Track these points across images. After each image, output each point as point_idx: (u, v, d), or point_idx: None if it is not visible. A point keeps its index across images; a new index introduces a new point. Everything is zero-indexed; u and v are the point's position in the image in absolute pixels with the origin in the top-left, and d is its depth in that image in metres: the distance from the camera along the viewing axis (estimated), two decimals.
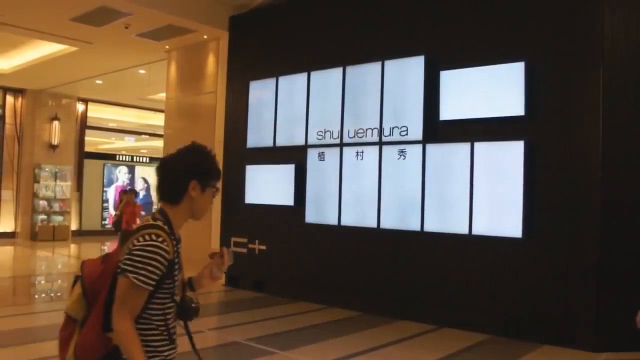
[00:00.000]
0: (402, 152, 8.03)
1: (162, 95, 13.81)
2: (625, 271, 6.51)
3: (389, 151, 8.15)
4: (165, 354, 2.36)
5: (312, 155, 9.11)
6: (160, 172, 2.43)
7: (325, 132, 8.96)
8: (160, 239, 2.25)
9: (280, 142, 9.62)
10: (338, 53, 9.00)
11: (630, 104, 6.62)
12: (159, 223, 2.32)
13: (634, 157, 6.60)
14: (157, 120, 17.77)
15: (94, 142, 20.94)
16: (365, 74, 8.53)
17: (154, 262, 2.21)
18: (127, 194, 13.28)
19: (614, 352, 6.40)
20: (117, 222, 12.99)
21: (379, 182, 8.19)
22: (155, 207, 21.27)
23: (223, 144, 10.90)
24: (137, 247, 2.21)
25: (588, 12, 6.77)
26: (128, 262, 2.19)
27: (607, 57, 6.60)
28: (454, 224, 7.43)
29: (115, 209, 14.81)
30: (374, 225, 8.22)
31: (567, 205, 6.71)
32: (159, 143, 16.29)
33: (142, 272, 2.18)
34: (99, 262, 2.34)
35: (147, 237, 2.23)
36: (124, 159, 21.75)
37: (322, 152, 8.97)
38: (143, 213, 13.44)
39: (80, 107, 19.36)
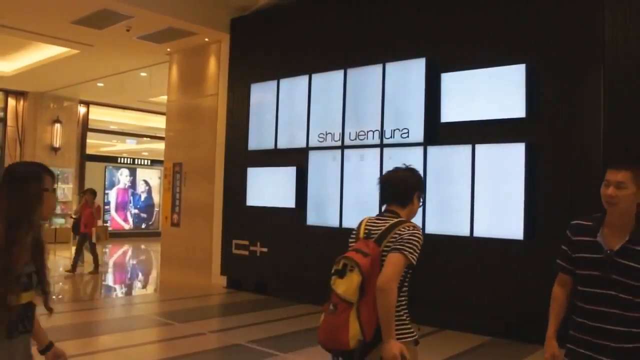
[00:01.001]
0: (401, 155, 8.04)
1: (164, 98, 13.82)
2: None
3: (390, 153, 8.15)
4: (411, 328, 3.06)
5: (313, 157, 9.11)
6: (394, 183, 3.23)
7: (326, 134, 8.97)
8: (418, 228, 3.06)
9: (282, 144, 9.62)
10: (339, 55, 9.00)
11: (631, 106, 6.60)
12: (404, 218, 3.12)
13: (636, 158, 6.59)
14: (159, 122, 17.78)
15: (96, 144, 20.96)
16: (367, 76, 8.54)
17: (419, 245, 2.99)
18: (85, 194, 12.67)
19: None
20: (75, 224, 12.59)
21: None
22: (157, 209, 21.30)
23: (224, 146, 10.91)
24: (408, 233, 2.96)
25: (589, 14, 6.77)
26: (404, 244, 2.93)
27: (608, 58, 6.60)
28: (456, 226, 7.43)
29: (74, 211, 14.26)
30: None
31: (569, 206, 6.70)
32: (160, 146, 16.29)
33: (416, 251, 2.97)
34: (360, 255, 2.92)
35: (410, 227, 3.00)
36: (125, 162, 21.76)
37: (333, 154, 8.99)
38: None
39: (81, 109, 19.38)
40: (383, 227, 3.06)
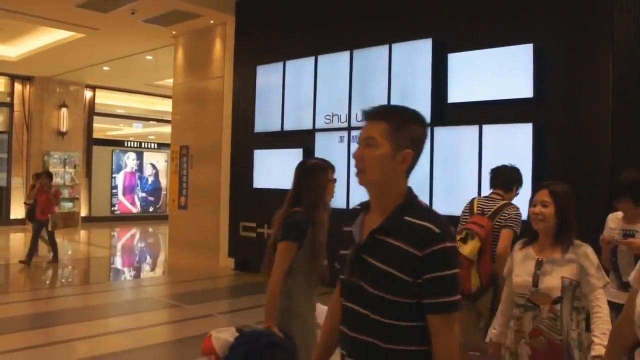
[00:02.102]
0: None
1: (170, 81, 13.81)
2: None
3: None
4: None
5: (320, 139, 9.10)
6: (502, 175, 4.75)
7: (332, 116, 8.95)
8: (518, 208, 4.34)
9: (288, 126, 9.61)
10: (345, 37, 8.95)
11: None
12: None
13: None
14: (165, 106, 17.78)
15: (102, 128, 20.98)
16: (373, 57, 8.50)
17: (520, 220, 4.30)
18: (41, 178, 11.43)
19: None
20: (31, 211, 11.42)
21: None
22: (164, 192, 21.36)
23: (231, 129, 10.91)
24: (514, 213, 4.32)
25: None
26: (512, 222, 4.28)
27: (617, 38, 6.54)
28: (463, 207, 7.41)
29: (27, 196, 12.83)
30: None
31: (576, 188, 6.61)
32: (167, 129, 16.30)
33: (519, 225, 4.28)
34: (477, 227, 4.16)
35: (514, 208, 4.35)
36: (132, 145, 21.79)
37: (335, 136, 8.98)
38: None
39: (88, 93, 19.40)
40: (494, 207, 4.41)
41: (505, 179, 4.69)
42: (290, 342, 3.11)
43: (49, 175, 11.61)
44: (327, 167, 3.47)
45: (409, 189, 2.07)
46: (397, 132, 1.96)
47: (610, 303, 3.22)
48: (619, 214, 4.17)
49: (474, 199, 4.71)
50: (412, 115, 2.04)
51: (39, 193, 11.10)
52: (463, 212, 4.68)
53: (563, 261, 2.95)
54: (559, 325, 2.90)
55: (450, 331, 1.82)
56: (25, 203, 12.95)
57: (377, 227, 1.92)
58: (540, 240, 3.10)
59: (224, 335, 3.07)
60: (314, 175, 3.41)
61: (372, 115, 2.05)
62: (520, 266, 3.10)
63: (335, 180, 3.52)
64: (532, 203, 3.13)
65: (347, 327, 1.92)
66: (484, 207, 4.48)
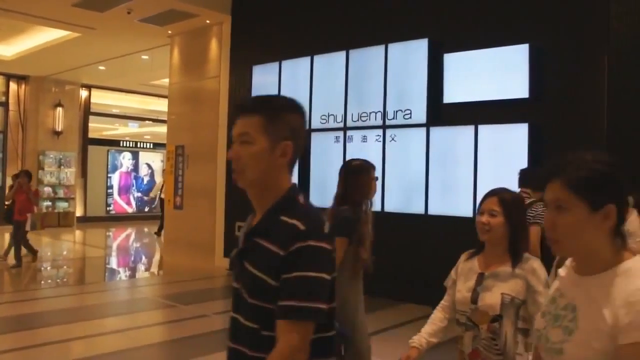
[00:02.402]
0: (405, 135, 8.02)
1: (165, 81, 13.78)
2: None
3: (393, 134, 8.14)
4: None
5: (316, 139, 9.10)
6: (530, 175, 4.95)
7: (328, 116, 8.94)
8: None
9: None
10: (341, 37, 8.95)
11: (636, 86, 6.57)
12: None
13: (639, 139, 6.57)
14: (161, 105, 17.74)
15: (98, 128, 20.93)
16: (369, 57, 8.50)
17: None
18: (19, 177, 11.06)
19: None
20: (9, 211, 11.13)
21: (383, 166, 8.18)
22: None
23: (227, 129, 10.89)
24: (540, 209, 4.48)
25: None
26: (540, 218, 4.50)
27: (613, 39, 6.56)
28: (458, 207, 7.43)
29: (5, 197, 12.53)
30: (378, 208, 8.22)
31: None
32: (162, 129, 16.27)
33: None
34: None
35: (541, 205, 4.26)
36: (127, 145, 21.75)
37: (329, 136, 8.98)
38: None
39: (83, 93, 19.34)
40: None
41: (535, 177, 4.94)
42: (343, 327, 3.39)
43: (28, 175, 11.25)
44: (369, 167, 3.86)
45: (293, 186, 1.85)
46: (272, 124, 1.74)
47: None
48: None
49: None
50: (287, 104, 1.82)
51: (18, 193, 10.78)
52: None
53: (507, 276, 2.64)
54: (498, 345, 2.60)
55: (291, 342, 1.57)
56: (5, 204, 12.55)
57: (252, 228, 1.81)
58: (486, 252, 2.80)
59: None
60: (359, 175, 3.80)
61: (244, 108, 1.83)
62: (463, 280, 2.83)
63: (377, 178, 3.88)
64: (478, 211, 2.82)
65: (229, 339, 1.80)
66: None
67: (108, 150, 20.94)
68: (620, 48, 6.56)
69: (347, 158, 8.60)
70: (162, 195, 14.67)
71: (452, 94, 7.59)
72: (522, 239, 2.73)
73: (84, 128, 19.54)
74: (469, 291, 2.73)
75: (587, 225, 1.48)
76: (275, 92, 9.71)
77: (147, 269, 12.25)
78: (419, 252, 7.93)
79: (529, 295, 2.60)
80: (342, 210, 3.65)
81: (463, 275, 2.85)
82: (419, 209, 7.81)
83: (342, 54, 8.81)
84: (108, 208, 20.57)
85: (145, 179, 22.02)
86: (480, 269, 2.76)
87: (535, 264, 2.67)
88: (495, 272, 2.68)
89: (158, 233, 15.55)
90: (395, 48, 8.22)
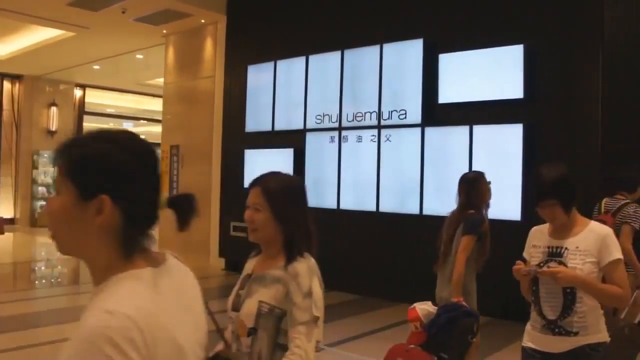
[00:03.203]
0: (400, 135, 8.02)
1: (160, 81, 13.75)
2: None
3: (388, 134, 8.15)
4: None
5: (311, 139, 9.10)
6: (625, 180, 5.34)
7: (323, 115, 8.94)
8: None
9: (279, 126, 9.60)
10: (336, 36, 8.96)
11: (630, 87, 6.59)
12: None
13: (634, 140, 6.60)
14: (155, 105, 17.71)
15: (92, 127, 20.85)
16: (364, 57, 8.51)
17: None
18: None
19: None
20: None
21: (378, 166, 8.19)
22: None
23: (222, 129, 10.89)
24: (632, 210, 4.92)
25: None
26: (631, 218, 4.91)
27: (607, 39, 6.58)
28: (453, 207, 7.41)
29: None
30: (373, 208, 8.23)
31: None
32: (157, 128, 16.24)
33: (637, 221, 4.87)
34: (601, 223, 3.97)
35: (633, 206, 4.98)
36: None
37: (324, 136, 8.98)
38: None
39: (77, 92, 19.28)
40: (616, 206, 5.04)
41: (627, 184, 5.28)
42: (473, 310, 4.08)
43: None
44: (482, 176, 4.56)
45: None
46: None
47: (529, 351, 2.84)
48: (545, 226, 3.11)
49: (602, 199, 5.32)
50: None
51: None
52: (593, 212, 5.23)
53: (272, 280, 2.16)
54: None
55: None
56: None
57: None
58: (263, 253, 2.36)
59: (425, 307, 3.89)
60: (477, 184, 4.50)
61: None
62: (237, 283, 2.39)
63: (489, 182, 4.57)
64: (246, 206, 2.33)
65: None
66: (608, 206, 5.17)
67: None
68: (614, 48, 6.58)
69: (342, 158, 8.62)
70: None
71: (447, 94, 7.60)
72: (299, 236, 2.31)
73: (79, 127, 19.47)
74: (234, 295, 2.33)
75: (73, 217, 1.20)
76: (270, 92, 9.73)
77: None
78: (413, 252, 7.94)
79: (287, 306, 2.10)
80: (469, 214, 4.38)
81: (241, 277, 2.39)
82: (414, 209, 7.82)
83: (337, 53, 8.82)
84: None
85: None
86: (252, 270, 2.33)
87: (301, 267, 2.18)
88: (262, 274, 2.23)
89: None
90: (390, 48, 8.23)
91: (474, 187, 4.47)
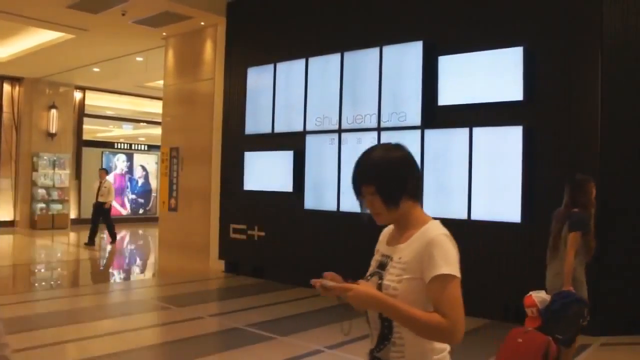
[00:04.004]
0: (401, 137, 8.02)
1: (160, 83, 13.77)
2: (623, 255, 6.52)
3: (388, 137, 8.15)
4: None
5: (311, 141, 9.10)
6: None
7: (323, 118, 8.94)
8: None
9: (279, 128, 9.60)
10: (336, 39, 8.96)
11: (629, 88, 6.60)
12: None
13: (633, 142, 6.60)
14: (155, 107, 17.72)
15: (92, 130, 20.88)
16: (364, 59, 8.51)
17: None
18: None
19: (612, 335, 6.43)
20: None
21: None
22: (154, 194, 21.25)
23: (221, 131, 10.89)
24: None
25: None
26: None
27: (607, 41, 6.58)
28: (453, 209, 7.44)
29: None
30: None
31: None
32: (157, 130, 16.25)
33: None
34: None
35: None
36: (122, 147, 21.70)
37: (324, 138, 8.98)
38: None
39: (77, 95, 19.30)
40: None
41: None
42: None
43: None
44: (589, 178, 5.03)
45: None
46: None
47: None
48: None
49: None
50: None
51: None
52: None
53: None
54: None
55: None
56: None
57: None
58: None
59: (540, 295, 4.27)
60: (584, 184, 4.96)
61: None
62: None
63: (594, 184, 5.01)
64: None
65: None
66: None
67: (102, 152, 20.89)
68: (614, 50, 6.59)
69: (342, 160, 8.62)
70: (101, 199, 13.94)
71: (447, 96, 7.60)
72: None
73: (78, 130, 19.50)
74: None
75: None
76: (270, 94, 9.73)
77: (142, 271, 12.21)
78: None
79: None
80: (573, 212, 4.79)
81: None
82: None
83: (337, 56, 8.82)
84: None
85: (140, 181, 21.97)
86: None
87: None
88: None
89: (90, 242, 14.05)
90: (389, 50, 8.23)
91: (580, 187, 4.96)
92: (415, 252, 2.05)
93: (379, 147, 2.23)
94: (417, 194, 2.16)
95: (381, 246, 2.33)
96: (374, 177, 2.14)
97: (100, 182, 14.11)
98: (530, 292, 4.35)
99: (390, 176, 2.10)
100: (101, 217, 14.10)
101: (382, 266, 2.17)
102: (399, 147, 2.16)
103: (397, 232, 2.22)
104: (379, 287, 2.09)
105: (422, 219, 2.14)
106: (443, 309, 1.97)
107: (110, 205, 14.49)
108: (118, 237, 17.51)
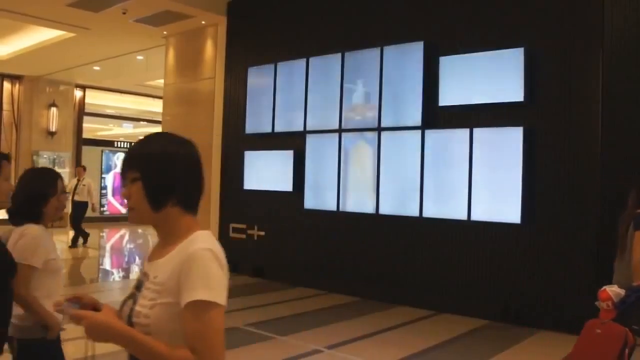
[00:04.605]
0: (401, 138, 8.02)
1: (160, 82, 13.75)
2: None
3: (388, 137, 8.15)
4: None
5: (311, 140, 9.10)
6: None
7: (324, 118, 8.94)
8: None
9: (279, 128, 9.60)
10: (337, 39, 8.96)
11: (630, 89, 6.59)
12: None
13: (634, 142, 6.59)
14: (156, 106, 17.71)
15: (92, 128, 20.86)
16: (365, 60, 8.50)
17: None
18: None
19: None
20: None
21: (378, 168, 8.18)
22: None
23: (222, 130, 10.88)
24: None
25: None
26: None
27: (607, 42, 6.58)
28: (453, 210, 7.43)
29: None
30: (373, 211, 8.23)
31: (566, 190, 6.71)
32: (157, 130, 16.24)
33: None
34: None
35: None
36: (122, 146, 21.69)
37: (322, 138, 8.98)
38: None
39: (78, 93, 19.29)
40: None
41: None
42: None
43: None
44: None
45: None
46: None
47: None
48: None
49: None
50: None
51: None
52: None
53: None
54: None
55: None
56: None
57: None
58: None
59: (614, 289, 4.24)
60: None
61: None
62: None
63: None
64: None
65: None
66: None
67: (102, 151, 20.88)
68: (615, 52, 6.58)
69: (342, 160, 8.62)
70: (77, 198, 13.53)
71: (448, 96, 7.59)
72: None
73: (78, 128, 19.49)
74: None
75: None
76: (270, 93, 9.73)
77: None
78: (413, 255, 7.94)
79: None
80: (638, 213, 4.84)
81: None
82: (414, 212, 7.81)
83: (338, 56, 8.81)
84: (102, 209, 20.48)
85: None
86: None
87: None
88: None
89: (74, 244, 13.55)
90: (390, 50, 8.22)
91: None
92: (172, 269, 1.63)
93: (166, 136, 1.82)
94: (189, 204, 1.76)
95: (146, 261, 1.83)
96: (143, 164, 1.70)
97: (78, 180, 13.77)
98: (604, 287, 4.45)
99: (161, 170, 1.69)
100: (75, 217, 13.46)
101: (139, 287, 1.73)
102: (185, 144, 1.78)
103: (160, 244, 1.77)
104: (131, 313, 1.66)
105: (191, 228, 1.74)
106: (193, 343, 1.57)
107: (92, 206, 13.90)
108: (117, 235, 17.47)
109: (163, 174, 1.68)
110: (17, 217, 2.97)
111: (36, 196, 2.99)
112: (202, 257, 1.65)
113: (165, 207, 1.70)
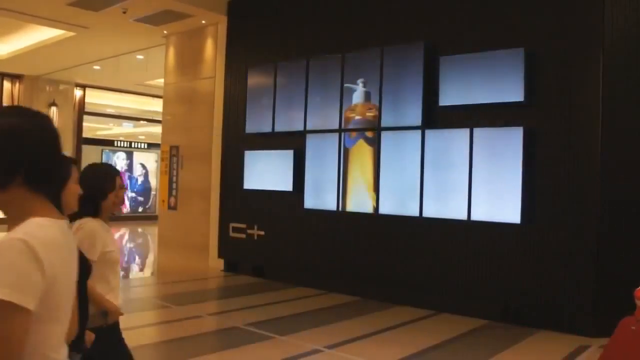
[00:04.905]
0: (401, 138, 8.02)
1: (160, 81, 13.76)
2: (623, 256, 6.52)
3: (388, 137, 8.15)
4: None
5: (311, 140, 9.10)
6: None
7: (324, 118, 8.94)
8: None
9: (279, 127, 9.59)
10: (337, 39, 8.95)
11: (630, 89, 6.60)
12: None
13: (634, 143, 6.60)
14: (156, 106, 17.71)
15: (92, 128, 20.86)
16: (365, 60, 8.50)
17: None
18: None
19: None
20: None
21: (378, 169, 8.18)
22: (154, 192, 21.23)
23: (222, 129, 10.88)
24: None
25: None
26: None
27: (607, 42, 6.58)
28: (453, 210, 7.43)
29: None
30: (373, 211, 8.23)
31: (566, 191, 6.71)
32: (157, 129, 16.25)
33: None
34: None
35: None
36: (122, 145, 21.70)
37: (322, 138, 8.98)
38: None
39: (77, 92, 19.29)
40: None
41: None
42: None
43: None
44: None
45: None
46: None
47: None
48: None
49: None
50: None
51: None
52: None
53: None
54: None
55: None
56: None
57: None
58: None
59: None
60: None
61: None
62: None
63: None
64: None
65: None
66: None
67: (102, 150, 20.88)
68: (615, 52, 6.58)
69: (342, 160, 8.62)
70: None
71: (448, 97, 7.59)
72: None
73: (78, 128, 19.47)
74: None
75: None
76: (270, 93, 9.72)
77: (141, 270, 12.21)
78: (413, 255, 7.94)
79: None
80: None
81: None
82: (414, 212, 7.81)
83: (338, 56, 8.81)
84: None
85: (140, 179, 21.97)
86: None
87: None
88: None
89: None
90: (390, 51, 8.22)
91: None
92: None
93: (16, 109, 1.60)
94: (40, 185, 1.54)
95: None
96: None
97: None
98: None
99: (3, 145, 1.49)
100: None
101: None
102: (36, 116, 1.59)
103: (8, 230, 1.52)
104: None
105: (32, 214, 1.50)
106: None
107: None
108: (117, 235, 17.47)
109: (5, 149, 1.48)
110: (76, 213, 2.94)
111: (95, 193, 3.17)
112: (8, 248, 1.37)
113: (9, 187, 1.49)
